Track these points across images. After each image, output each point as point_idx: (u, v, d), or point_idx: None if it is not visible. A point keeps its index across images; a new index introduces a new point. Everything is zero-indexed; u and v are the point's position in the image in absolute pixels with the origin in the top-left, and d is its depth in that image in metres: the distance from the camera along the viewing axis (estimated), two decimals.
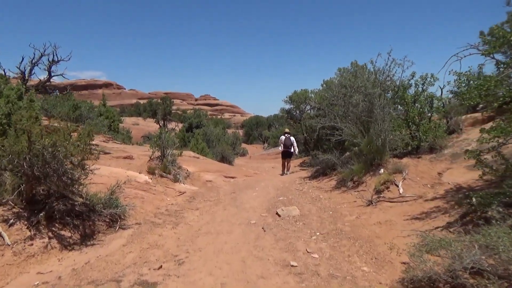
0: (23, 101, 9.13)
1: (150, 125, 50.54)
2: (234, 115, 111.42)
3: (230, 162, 19.75)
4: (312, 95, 17.61)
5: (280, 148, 13.53)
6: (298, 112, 26.21)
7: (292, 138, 13.65)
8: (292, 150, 13.48)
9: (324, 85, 18.25)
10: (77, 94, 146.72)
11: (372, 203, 6.94)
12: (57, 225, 5.40)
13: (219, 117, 51.36)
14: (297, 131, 24.38)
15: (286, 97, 26.02)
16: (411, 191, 7.08)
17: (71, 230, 5.45)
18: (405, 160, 8.61)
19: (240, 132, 56.41)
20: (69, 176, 5.39)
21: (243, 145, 46.49)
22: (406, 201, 6.68)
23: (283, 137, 13.53)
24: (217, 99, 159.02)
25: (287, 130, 14.13)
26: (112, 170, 9.52)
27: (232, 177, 11.94)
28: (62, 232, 5.34)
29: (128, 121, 61.36)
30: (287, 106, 26.36)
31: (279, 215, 6.94)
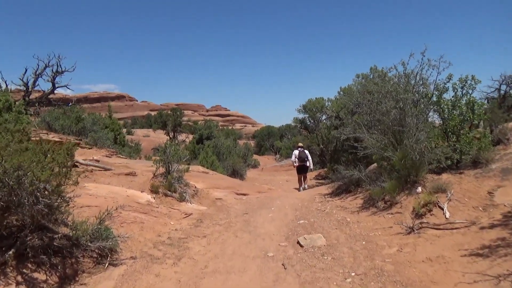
0: (11, 114, 8.26)
1: (161, 137, 49.86)
2: (245, 126, 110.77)
3: (241, 176, 18.68)
4: (329, 103, 16.51)
5: (294, 162, 12.44)
6: (312, 121, 25.13)
7: (307, 152, 12.58)
8: (308, 164, 12.39)
9: (341, 93, 17.15)
10: (90, 106, 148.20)
11: (414, 231, 5.75)
12: (29, 265, 4.37)
13: (230, 127, 50.50)
14: (312, 142, 23.24)
15: (300, 106, 24.95)
16: (459, 215, 5.89)
17: (47, 271, 4.41)
18: (444, 176, 7.41)
19: (252, 143, 55.40)
20: (47, 203, 4.37)
21: (255, 156, 45.33)
22: (456, 229, 5.49)
23: (296, 151, 12.47)
24: (228, 110, 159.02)
25: (300, 144, 13.05)
26: (111, 189, 8.54)
27: (244, 194, 10.84)
28: (35, 275, 4.30)
29: (139, 133, 61.16)
30: (301, 116, 25.33)
31: (301, 245, 5.80)
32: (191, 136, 38.87)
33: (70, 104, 16.92)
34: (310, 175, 23.42)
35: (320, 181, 21.60)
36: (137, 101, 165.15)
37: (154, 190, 9.03)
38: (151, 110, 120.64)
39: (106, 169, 10.45)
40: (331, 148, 17.51)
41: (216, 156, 19.41)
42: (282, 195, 10.95)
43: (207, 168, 15.98)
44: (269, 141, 52.76)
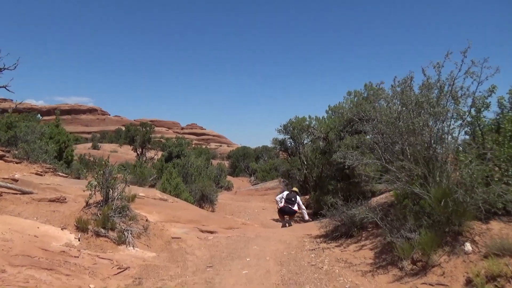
0: None
1: (130, 153, 46.52)
2: (221, 145, 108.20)
3: (211, 202, 16.06)
4: (315, 123, 14.33)
5: (278, 203, 10.18)
6: (294, 143, 22.93)
7: (298, 197, 10.35)
8: (295, 208, 10.11)
9: (330, 112, 15.04)
10: (60, 119, 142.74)
11: None
12: None
13: (203, 146, 47.82)
14: (292, 166, 20.94)
15: (280, 125, 22.81)
16: None
17: None
18: (495, 226, 5.16)
19: (226, 163, 52.70)
20: None
21: (229, 177, 42.64)
22: None
23: (285, 192, 10.37)
24: (203, 129, 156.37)
25: (295, 189, 11.10)
26: (14, 224, 5.85)
27: (211, 232, 8.27)
28: None
29: (106, 148, 57.39)
30: (281, 136, 23.13)
31: None
32: (160, 154, 35.95)
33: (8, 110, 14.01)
34: None
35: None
36: (109, 115, 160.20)
37: (81, 227, 6.37)
38: (123, 125, 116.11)
39: (24, 193, 7.70)
40: (316, 174, 15.23)
41: (182, 177, 16.75)
42: (261, 234, 8.43)
43: (169, 192, 13.30)
44: (244, 162, 50.23)
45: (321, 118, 14.50)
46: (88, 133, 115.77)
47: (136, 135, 35.36)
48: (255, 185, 39.31)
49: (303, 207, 10.30)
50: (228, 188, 37.38)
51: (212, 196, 15.95)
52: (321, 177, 14.73)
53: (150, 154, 39.31)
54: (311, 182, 16.31)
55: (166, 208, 9.20)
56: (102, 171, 6.98)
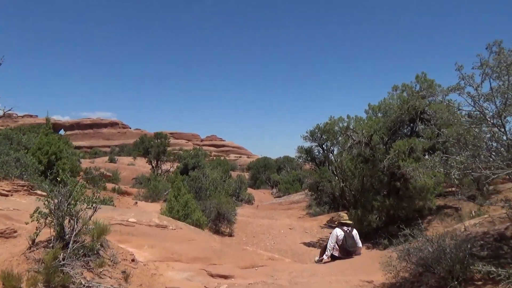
0: None
1: (147, 166, 44.65)
2: (240, 157, 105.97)
3: (229, 222, 13.51)
4: (354, 124, 11.61)
5: (329, 250, 6.98)
6: (322, 151, 20.21)
7: (356, 235, 7.23)
8: (359, 252, 7.16)
9: (371, 111, 12.32)
10: (82, 133, 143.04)
11: None
12: None
13: (222, 158, 45.51)
14: (322, 178, 18.21)
15: (306, 132, 20.19)
16: None
17: None
18: None
19: (246, 175, 50.18)
20: None
21: (249, 190, 40.11)
22: None
23: (339, 232, 7.04)
24: (223, 140, 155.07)
25: (345, 216, 7.44)
26: None
27: (226, 277, 5.70)
28: None
29: (124, 161, 55.88)
30: (307, 144, 20.46)
31: None
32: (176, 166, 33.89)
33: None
34: (320, 221, 18.26)
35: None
36: (130, 128, 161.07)
37: (11, 286, 3.91)
38: None
39: None
40: (356, 187, 12.45)
41: (195, 193, 14.29)
42: (298, 280, 5.77)
43: (177, 212, 10.84)
44: (265, 173, 47.58)
45: (361, 118, 11.84)
46: (109, 146, 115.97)
47: (151, 146, 33.38)
48: (278, 198, 36.59)
49: (360, 245, 7.29)
50: (249, 201, 34.73)
51: (230, 215, 13.40)
52: (363, 191, 11.97)
53: (165, 166, 37.36)
54: (349, 197, 13.54)
55: (163, 240, 6.69)
56: (54, 194, 4.54)
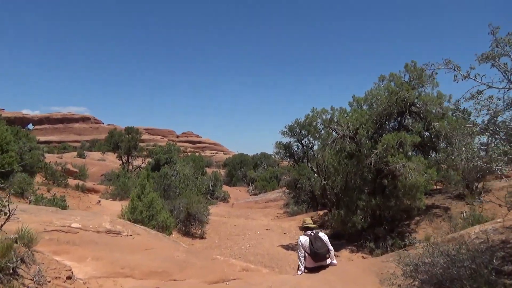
0: None
1: (119, 162, 42.64)
2: (216, 153, 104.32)
3: (200, 223, 12.30)
4: (338, 116, 10.55)
5: (300, 264, 5.68)
6: (301, 147, 19.25)
7: (324, 236, 5.90)
8: (334, 261, 5.91)
9: (355, 104, 11.35)
10: (52, 127, 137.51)
11: None
12: None
13: (197, 154, 43.87)
14: (301, 175, 17.24)
15: (285, 127, 19.19)
16: None
17: None
18: None
19: (222, 172, 48.85)
20: None
21: (225, 187, 38.85)
22: None
23: (305, 238, 5.69)
24: (199, 136, 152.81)
25: (309, 222, 6.11)
26: None
27: None
28: None
29: (94, 156, 53.30)
30: (286, 140, 19.45)
31: None
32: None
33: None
34: (298, 220, 17.27)
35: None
36: (103, 123, 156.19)
37: None
38: None
39: None
40: (340, 185, 11.45)
41: (163, 191, 12.98)
42: None
43: (140, 213, 9.56)
44: (242, 170, 46.43)
45: (346, 111, 10.80)
46: (80, 142, 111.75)
47: (121, 141, 31.54)
48: (254, 195, 35.49)
49: (332, 249, 6.05)
50: (224, 199, 33.47)
51: (202, 215, 12.18)
52: (346, 189, 11.00)
53: (137, 162, 35.56)
54: (330, 195, 12.56)
55: (114, 250, 5.44)
56: None
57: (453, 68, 3.60)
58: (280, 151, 20.16)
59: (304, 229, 5.99)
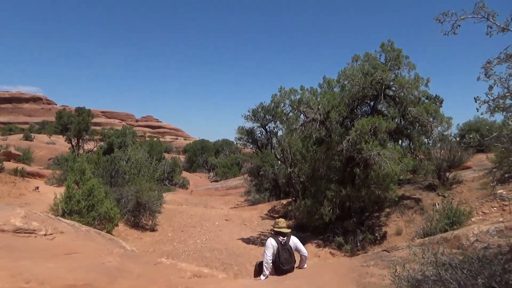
0: None
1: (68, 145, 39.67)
2: (177, 139, 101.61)
3: (152, 213, 10.98)
4: (309, 97, 9.48)
5: (265, 269, 4.73)
6: (265, 132, 18.22)
7: (296, 241, 4.95)
8: (303, 265, 4.96)
9: (325, 85, 10.39)
10: None
11: None
12: None
13: (155, 139, 41.68)
14: (264, 162, 16.24)
15: (248, 110, 18.02)
16: None
17: None
18: None
19: (182, 158, 47.08)
20: None
21: (185, 173, 37.31)
22: None
23: (273, 242, 4.80)
24: (159, 121, 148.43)
25: (283, 226, 4.95)
26: None
27: None
28: None
29: (43, 139, 49.51)
30: (249, 125, 18.34)
31: None
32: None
33: None
34: (260, 210, 16.29)
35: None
36: (56, 105, 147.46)
37: None
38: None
39: None
40: (307, 173, 10.49)
41: (110, 177, 11.50)
42: None
43: (77, 203, 8.12)
44: (203, 156, 44.93)
45: (317, 91, 9.77)
46: (29, 124, 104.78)
47: (70, 123, 29.02)
48: (215, 182, 34.27)
49: (305, 253, 5.11)
50: (183, 185, 31.99)
51: (153, 205, 10.85)
52: (314, 178, 10.08)
53: (89, 146, 33.15)
54: (297, 184, 11.62)
55: (20, 257, 4.09)
56: None
57: (485, 16, 2.58)
58: (243, 136, 19.01)
59: (275, 233, 4.97)
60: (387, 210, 10.12)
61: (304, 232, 11.10)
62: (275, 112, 14.98)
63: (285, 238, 4.88)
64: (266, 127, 18.16)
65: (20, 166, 21.48)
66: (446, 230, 7.78)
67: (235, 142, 24.78)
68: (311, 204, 9.59)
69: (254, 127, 18.36)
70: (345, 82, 9.89)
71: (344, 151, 8.95)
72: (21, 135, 50.07)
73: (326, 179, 10.00)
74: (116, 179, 11.60)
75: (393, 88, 9.66)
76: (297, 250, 5.01)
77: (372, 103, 10.11)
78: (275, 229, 4.96)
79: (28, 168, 24.57)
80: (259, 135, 18.48)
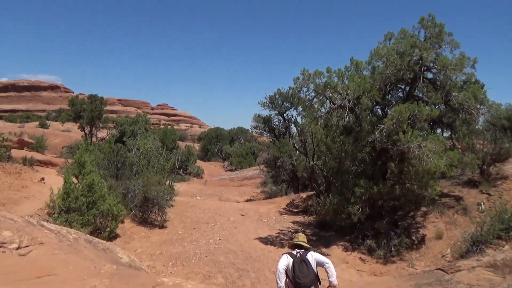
0: None
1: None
2: (192, 126, 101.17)
3: (161, 209, 10.09)
4: (336, 81, 8.30)
5: (278, 279, 3.76)
6: (283, 120, 17.10)
7: (317, 255, 3.94)
8: (333, 280, 3.89)
9: (353, 68, 9.15)
10: (18, 95, 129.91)
11: None
12: None
13: (169, 127, 40.91)
14: (282, 153, 15.16)
15: (265, 97, 16.87)
16: None
17: None
18: None
19: (197, 146, 46.31)
20: None
21: (199, 162, 36.54)
22: None
23: (286, 260, 3.81)
24: (175, 109, 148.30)
25: (301, 237, 4.07)
26: None
27: None
28: None
29: (57, 127, 49.45)
30: (266, 112, 17.23)
31: None
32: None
33: None
34: (278, 204, 15.22)
35: (296, 216, 12.91)
36: (73, 93, 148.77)
37: None
38: None
39: None
40: (333, 167, 9.34)
41: (116, 170, 10.64)
42: None
43: (74, 200, 7.27)
44: (217, 145, 44.03)
45: (345, 73, 8.54)
46: (46, 111, 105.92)
47: (83, 110, 28.42)
48: (230, 171, 33.41)
49: (332, 271, 4.07)
50: (198, 174, 31.22)
51: (162, 200, 9.94)
52: (340, 172, 8.95)
53: (102, 134, 32.65)
54: (320, 178, 10.52)
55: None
56: None
57: None
58: (259, 124, 17.91)
59: (292, 246, 4.02)
60: (423, 209, 8.94)
61: (327, 231, 10.05)
62: (294, 99, 13.83)
63: (302, 250, 3.95)
64: (284, 114, 17.04)
65: (29, 154, 20.98)
66: (500, 237, 6.63)
67: (250, 131, 23.73)
68: (338, 201, 8.50)
69: (271, 115, 17.25)
70: (377, 64, 8.66)
71: (376, 142, 7.78)
72: (36, 123, 50.11)
73: (354, 173, 8.86)
74: (123, 171, 10.72)
75: (434, 70, 8.38)
76: (319, 264, 3.98)
77: (407, 88, 8.86)
78: (294, 241, 4.04)
79: (40, 157, 24.11)
80: (277, 123, 17.35)
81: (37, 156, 23.40)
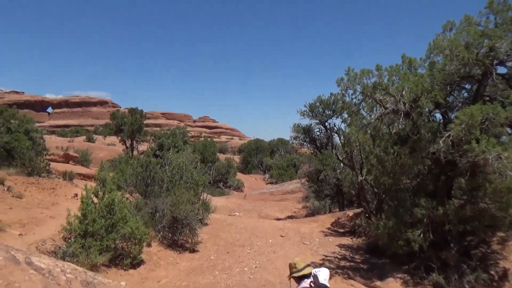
0: None
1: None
2: (232, 138, 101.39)
3: (192, 231, 9.18)
4: (385, 83, 7.03)
5: None
6: (325, 130, 15.84)
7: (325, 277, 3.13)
8: None
9: (405, 67, 7.80)
10: (70, 111, 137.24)
11: None
12: None
13: (209, 139, 40.50)
14: (325, 166, 13.87)
15: (305, 105, 15.71)
16: None
17: None
18: None
19: (237, 158, 45.74)
20: None
21: (239, 175, 35.79)
22: None
23: None
24: (216, 122, 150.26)
25: (300, 264, 3.13)
26: None
27: None
28: None
29: (104, 141, 51.03)
30: (305, 122, 16.08)
31: None
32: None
33: None
34: (321, 222, 13.85)
35: (342, 238, 11.32)
36: (120, 107, 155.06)
37: None
38: None
39: None
40: (386, 183, 7.97)
41: (144, 187, 9.92)
42: None
43: (87, 226, 6.50)
44: (257, 157, 43.16)
45: (399, 70, 7.25)
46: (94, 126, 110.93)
47: (124, 123, 28.68)
48: (270, 185, 32.29)
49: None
50: (238, 187, 30.42)
51: (193, 221, 9.02)
52: (395, 189, 7.58)
53: (143, 147, 32.89)
54: (370, 195, 9.15)
55: None
56: None
57: None
58: (299, 135, 16.78)
59: (297, 278, 3.09)
60: (500, 234, 7.33)
61: (380, 257, 8.61)
62: (336, 106, 12.58)
63: (311, 278, 2.97)
64: (326, 123, 15.79)
65: (73, 169, 21.12)
66: None
67: (290, 142, 22.62)
68: (393, 224, 7.13)
69: (311, 124, 16.08)
70: (437, 59, 7.28)
71: (440, 153, 6.38)
72: (85, 137, 52.02)
73: (412, 191, 7.45)
74: (152, 188, 9.97)
75: (509, 63, 6.88)
76: None
77: (475, 86, 7.38)
78: (296, 274, 3.04)
79: (84, 170, 24.37)
80: (318, 133, 16.13)
81: (81, 170, 23.62)
